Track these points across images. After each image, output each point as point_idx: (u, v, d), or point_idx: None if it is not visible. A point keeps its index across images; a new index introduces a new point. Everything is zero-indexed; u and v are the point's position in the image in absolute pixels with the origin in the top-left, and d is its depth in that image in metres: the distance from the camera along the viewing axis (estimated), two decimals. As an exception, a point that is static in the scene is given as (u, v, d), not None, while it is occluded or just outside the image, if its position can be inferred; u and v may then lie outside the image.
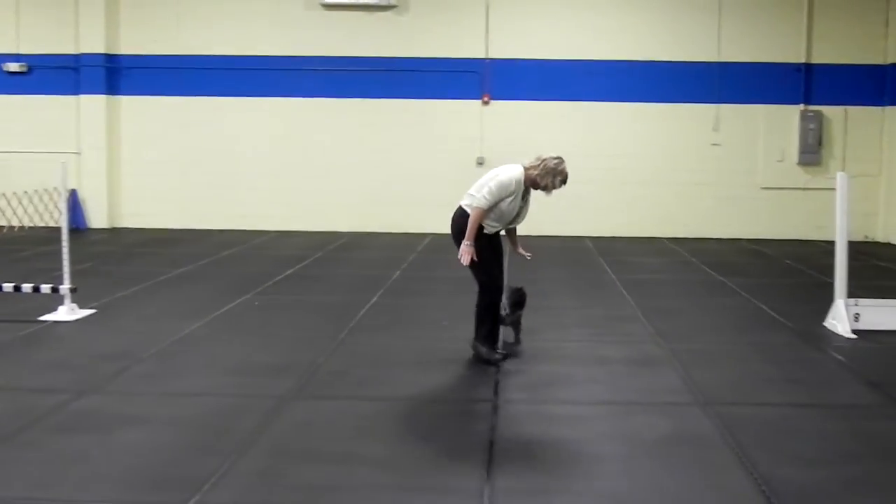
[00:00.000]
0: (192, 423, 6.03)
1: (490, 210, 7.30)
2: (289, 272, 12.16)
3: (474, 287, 7.63)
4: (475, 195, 7.34)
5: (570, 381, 7.19)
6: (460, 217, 7.43)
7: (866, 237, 16.37)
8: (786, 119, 16.73)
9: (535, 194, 7.60)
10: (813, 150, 16.64)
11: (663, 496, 5.00)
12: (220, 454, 5.45)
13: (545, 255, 14.09)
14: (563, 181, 7.38)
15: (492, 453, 5.54)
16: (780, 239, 16.32)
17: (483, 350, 7.59)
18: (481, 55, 16.79)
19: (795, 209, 16.55)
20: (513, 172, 7.32)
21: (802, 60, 16.77)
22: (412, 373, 7.33)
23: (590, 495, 5.00)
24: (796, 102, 16.74)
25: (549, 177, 7.33)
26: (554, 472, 5.31)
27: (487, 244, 7.44)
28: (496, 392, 6.83)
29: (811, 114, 16.65)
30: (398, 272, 12.27)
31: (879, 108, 16.82)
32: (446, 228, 7.58)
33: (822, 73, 16.76)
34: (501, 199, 7.27)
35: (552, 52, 16.81)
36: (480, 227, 7.34)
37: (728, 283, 11.72)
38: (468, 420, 6.21)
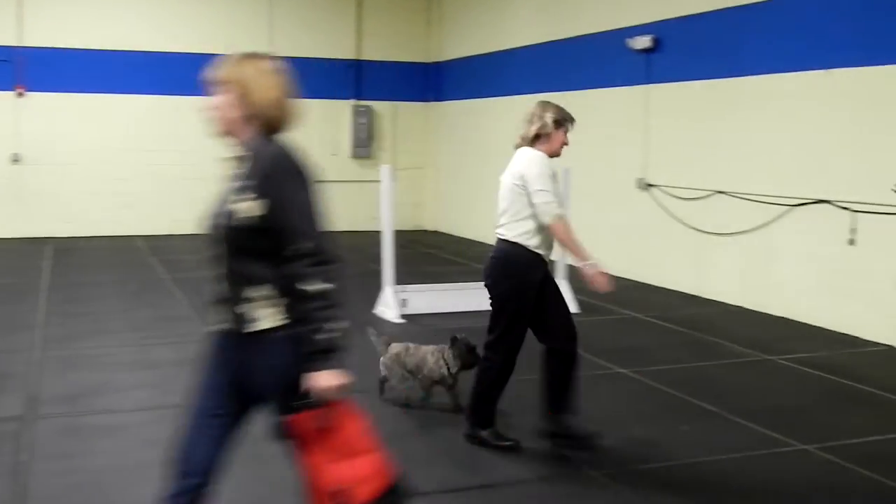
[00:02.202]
0: None
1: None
2: None
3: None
4: (529, 211, 5.16)
5: (115, 389, 6.66)
6: (509, 254, 5.25)
7: (417, 226, 17.28)
8: (338, 113, 17.14)
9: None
10: (364, 144, 17.24)
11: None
12: None
13: (89, 258, 13.24)
14: (570, 119, 5.45)
15: (22, 476, 4.94)
16: (338, 231, 16.61)
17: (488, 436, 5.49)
18: (14, 43, 15.32)
19: (350, 201, 16.92)
20: (533, 155, 5.26)
21: (353, 57, 17.29)
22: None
23: (128, 509, 4.63)
24: (348, 97, 17.21)
25: (561, 130, 5.36)
26: (93, 487, 4.85)
27: (543, 284, 5.30)
28: (29, 408, 6.14)
29: (362, 109, 17.23)
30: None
31: (425, 103, 17.83)
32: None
33: (372, 69, 17.41)
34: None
35: (97, 41, 15.74)
36: (535, 255, 5.25)
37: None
38: (-7, 443, 5.50)
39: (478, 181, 16.04)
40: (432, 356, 6.11)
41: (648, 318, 9.38)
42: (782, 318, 9.38)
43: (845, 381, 7.09)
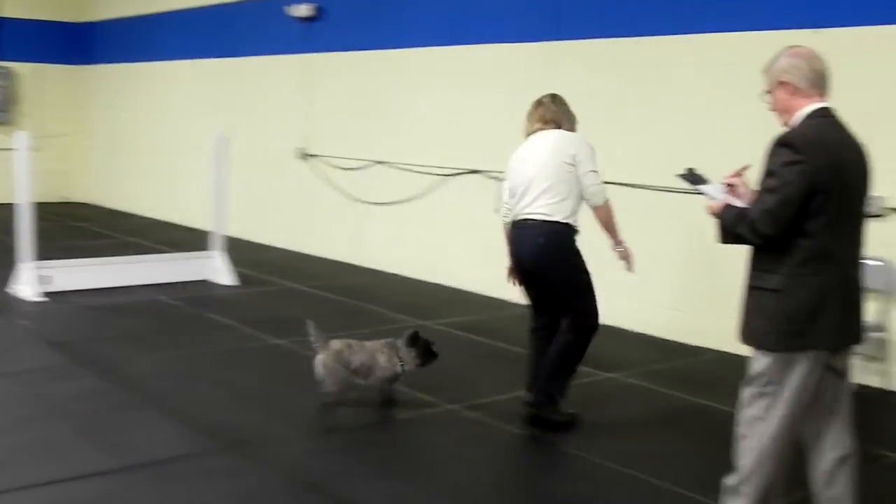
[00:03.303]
0: None
1: None
2: None
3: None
4: (577, 190, 5.23)
5: None
6: (563, 233, 5.24)
7: (65, 198, 16.11)
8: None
9: None
10: (3, 109, 15.78)
11: None
12: None
13: None
14: None
15: None
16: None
17: (559, 412, 5.41)
18: None
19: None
20: (578, 136, 5.42)
21: (-9, 14, 15.78)
22: None
23: None
24: (-14, 58, 15.71)
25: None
26: None
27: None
28: None
29: (2, 71, 15.77)
30: None
31: (74, 66, 16.63)
32: None
33: (12, 27, 15.93)
34: None
35: None
36: (577, 232, 5.32)
37: None
38: None
39: (133, 150, 15.26)
40: (383, 353, 5.58)
41: (308, 289, 9.32)
42: (438, 284, 9.65)
43: (492, 342, 7.40)
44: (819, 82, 3.53)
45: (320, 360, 5.52)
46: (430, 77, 9.88)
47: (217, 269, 9.41)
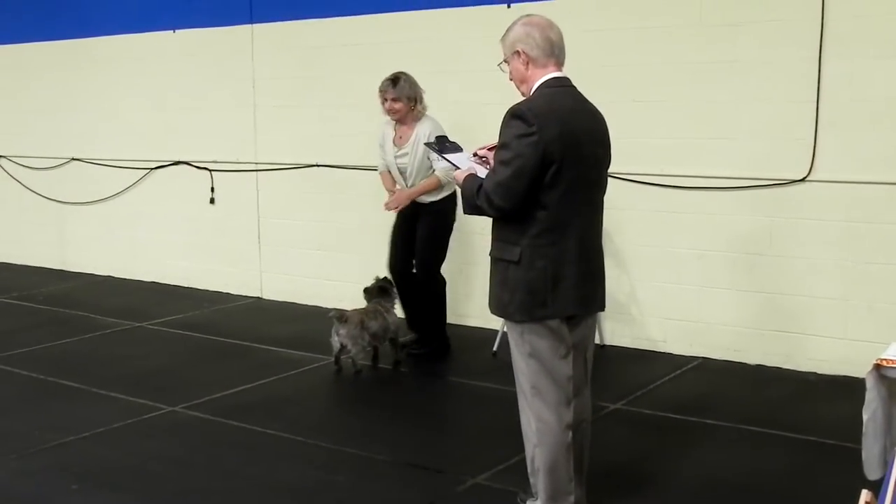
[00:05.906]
0: None
1: None
2: None
3: None
4: None
5: None
6: None
7: None
8: None
9: None
10: None
11: None
12: None
13: None
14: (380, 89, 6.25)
15: None
16: None
17: None
18: None
19: None
20: None
21: None
22: None
23: None
24: None
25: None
26: None
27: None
28: None
29: None
30: None
31: None
32: None
33: None
34: None
35: None
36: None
37: None
38: None
39: None
40: (387, 312, 6.14)
41: (6, 300, 8.60)
42: (152, 283, 9.20)
43: (214, 338, 7.13)
44: (554, 51, 3.51)
45: (348, 334, 5.94)
46: (124, 66, 9.31)
47: None
